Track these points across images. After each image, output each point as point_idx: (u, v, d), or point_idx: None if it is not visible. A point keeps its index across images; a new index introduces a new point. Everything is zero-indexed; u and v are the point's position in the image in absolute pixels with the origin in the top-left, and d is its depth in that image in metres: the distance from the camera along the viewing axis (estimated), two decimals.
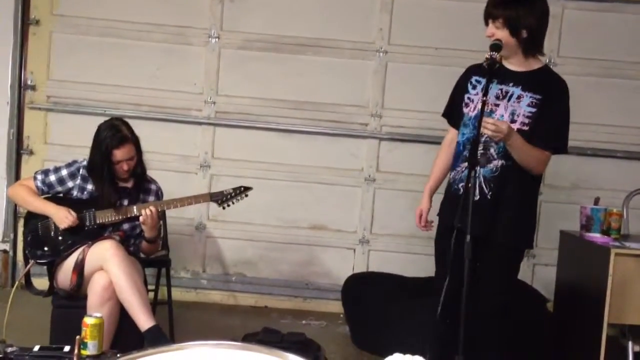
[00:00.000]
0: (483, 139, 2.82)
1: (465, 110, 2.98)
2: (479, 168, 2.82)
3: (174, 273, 4.50)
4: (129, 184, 3.40)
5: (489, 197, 2.87)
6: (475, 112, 2.92)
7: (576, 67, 4.67)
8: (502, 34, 2.82)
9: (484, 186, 2.88)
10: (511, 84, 2.88)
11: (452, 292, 2.73)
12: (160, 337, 3.03)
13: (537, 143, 2.85)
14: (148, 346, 2.91)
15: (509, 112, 2.87)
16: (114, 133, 3.29)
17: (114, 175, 3.32)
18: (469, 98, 2.98)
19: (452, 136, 3.14)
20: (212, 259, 4.89)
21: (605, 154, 4.71)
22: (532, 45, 2.90)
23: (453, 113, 3.12)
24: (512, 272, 3.05)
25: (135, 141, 3.34)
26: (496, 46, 2.77)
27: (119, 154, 3.27)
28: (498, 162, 2.87)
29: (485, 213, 2.84)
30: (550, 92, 2.87)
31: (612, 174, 4.68)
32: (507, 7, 2.81)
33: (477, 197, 2.85)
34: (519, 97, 2.87)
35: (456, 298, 2.67)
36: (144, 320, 3.03)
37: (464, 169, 2.92)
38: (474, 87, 2.98)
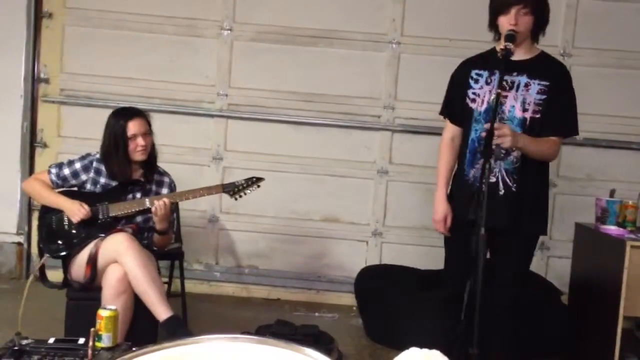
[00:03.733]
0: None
1: (472, 105, 2.95)
2: (500, 162, 2.82)
3: (187, 265, 4.51)
4: (140, 174, 3.40)
5: (514, 189, 2.86)
6: (485, 105, 2.91)
7: (591, 58, 4.64)
8: (527, 21, 2.82)
9: (507, 179, 2.86)
10: (515, 73, 2.87)
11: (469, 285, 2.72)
12: (179, 326, 3.05)
13: (550, 131, 2.87)
14: (167, 336, 2.94)
15: (519, 101, 2.86)
16: (124, 110, 3.39)
17: (129, 156, 3.32)
18: (474, 93, 2.96)
19: (452, 134, 3.11)
20: (225, 252, 4.90)
21: (621, 145, 4.67)
22: (542, 30, 2.93)
23: (453, 110, 3.09)
24: (529, 260, 3.07)
25: (147, 120, 3.38)
26: (511, 37, 2.76)
27: (133, 126, 3.29)
28: (517, 153, 2.85)
29: (513, 205, 2.85)
30: (556, 77, 2.89)
31: (628, 166, 4.64)
32: None
33: (502, 192, 2.85)
34: (527, 85, 2.86)
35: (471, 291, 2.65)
36: (162, 311, 3.04)
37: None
38: (477, 81, 2.96)
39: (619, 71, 4.65)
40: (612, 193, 3.70)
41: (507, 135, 2.69)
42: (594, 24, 4.64)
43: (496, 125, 2.68)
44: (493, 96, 2.78)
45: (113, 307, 2.52)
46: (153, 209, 3.25)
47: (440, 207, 3.08)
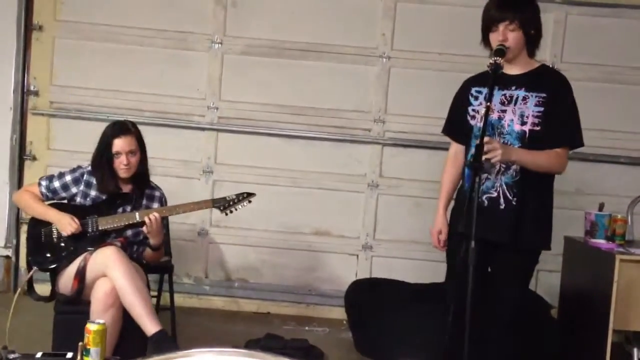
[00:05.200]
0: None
1: (472, 122, 2.97)
2: (500, 176, 2.82)
3: (177, 279, 4.48)
4: (130, 188, 3.38)
5: (514, 203, 2.86)
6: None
7: (579, 73, 4.65)
8: (515, 36, 2.84)
9: (507, 194, 2.86)
10: (513, 88, 2.88)
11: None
12: (166, 341, 3.02)
13: (551, 143, 2.86)
14: (155, 351, 2.92)
15: (517, 115, 2.87)
16: (116, 124, 3.37)
17: (114, 171, 3.31)
18: (473, 110, 2.98)
19: (455, 150, 3.14)
20: (214, 265, 4.88)
21: (609, 159, 4.69)
22: (537, 44, 2.95)
23: (455, 128, 3.11)
24: (530, 276, 3.07)
25: (138, 137, 3.35)
26: (501, 51, 2.78)
27: (119, 143, 3.27)
28: (517, 167, 2.86)
29: (513, 219, 2.85)
30: (553, 88, 2.88)
31: (616, 180, 4.66)
32: (521, 8, 2.85)
33: (502, 206, 2.85)
34: (524, 99, 2.87)
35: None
36: (149, 325, 3.02)
37: (484, 180, 2.91)
38: (476, 99, 2.98)
39: (608, 85, 4.68)
40: (601, 207, 3.72)
41: (497, 149, 2.70)
42: (582, 39, 4.67)
43: (486, 139, 2.69)
44: (495, 112, 2.79)
45: (101, 321, 2.50)
46: (145, 229, 3.24)
47: (437, 220, 3.12)
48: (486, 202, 2.89)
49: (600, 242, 3.54)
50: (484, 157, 2.65)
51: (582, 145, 2.98)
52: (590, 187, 4.68)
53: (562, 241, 3.97)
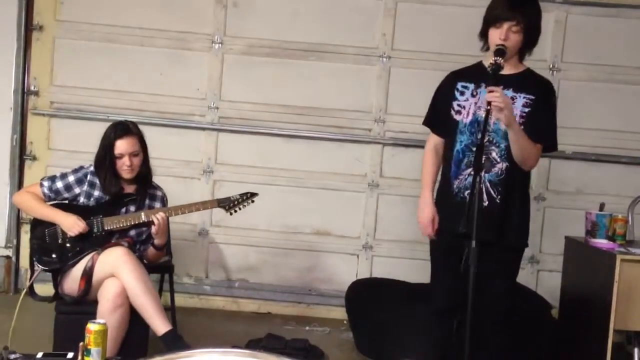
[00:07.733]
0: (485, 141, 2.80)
1: (457, 117, 2.97)
2: (483, 173, 2.82)
3: (177, 279, 4.48)
4: (133, 189, 3.39)
5: (498, 201, 2.87)
6: (470, 117, 2.93)
7: (580, 73, 4.67)
8: (516, 38, 2.85)
9: (491, 191, 2.88)
10: (501, 87, 2.88)
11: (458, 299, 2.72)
12: (177, 340, 3.04)
13: (531, 137, 2.85)
14: (166, 350, 2.92)
15: None
16: (118, 125, 3.36)
17: (117, 172, 3.31)
18: (459, 105, 2.98)
19: (434, 143, 3.13)
20: (215, 265, 4.88)
21: (610, 159, 4.69)
22: (531, 50, 2.96)
23: (437, 120, 3.11)
24: (516, 274, 3.08)
25: (140, 138, 3.36)
26: (501, 51, 2.78)
27: (121, 145, 3.28)
28: (502, 165, 2.87)
29: (496, 217, 2.86)
30: (541, 92, 2.91)
31: (617, 180, 4.66)
32: (529, 12, 2.86)
33: (486, 203, 2.85)
34: (512, 99, 2.88)
35: (462, 305, 2.65)
36: (160, 325, 3.04)
37: (467, 176, 2.91)
38: (462, 94, 2.98)
39: (608, 85, 4.69)
40: (601, 207, 3.72)
41: (505, 101, 2.69)
42: (582, 39, 4.67)
43: (493, 89, 2.69)
44: (482, 110, 2.79)
45: (102, 321, 2.50)
46: (154, 229, 3.25)
47: (427, 209, 3.06)
48: (468, 198, 2.88)
49: (601, 242, 3.54)
50: (490, 99, 2.65)
51: (556, 149, 3.01)
52: (591, 187, 4.69)
53: (562, 241, 3.97)
